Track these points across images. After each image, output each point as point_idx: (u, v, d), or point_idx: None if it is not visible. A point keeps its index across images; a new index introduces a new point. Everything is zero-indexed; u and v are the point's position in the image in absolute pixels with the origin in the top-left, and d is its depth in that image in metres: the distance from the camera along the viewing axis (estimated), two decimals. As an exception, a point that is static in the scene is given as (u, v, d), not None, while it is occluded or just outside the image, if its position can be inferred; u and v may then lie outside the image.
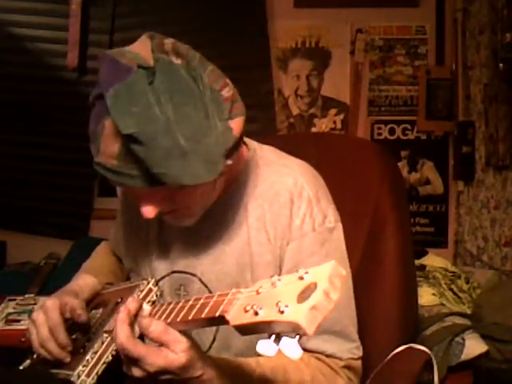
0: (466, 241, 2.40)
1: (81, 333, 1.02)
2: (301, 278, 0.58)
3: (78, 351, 0.96)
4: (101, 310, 1.06)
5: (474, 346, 1.50)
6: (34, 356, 1.01)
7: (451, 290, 1.85)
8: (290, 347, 0.57)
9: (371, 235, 1.21)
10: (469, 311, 1.76)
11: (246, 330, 0.63)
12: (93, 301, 1.11)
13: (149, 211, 0.86)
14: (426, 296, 1.80)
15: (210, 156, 0.81)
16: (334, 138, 1.61)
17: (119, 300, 1.01)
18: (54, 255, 2.34)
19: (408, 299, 1.24)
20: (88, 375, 0.88)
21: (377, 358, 1.07)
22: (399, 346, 1.13)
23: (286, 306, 0.56)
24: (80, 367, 0.89)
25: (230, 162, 0.84)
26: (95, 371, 0.89)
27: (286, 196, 0.96)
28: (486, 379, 1.52)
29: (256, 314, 0.59)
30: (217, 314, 0.67)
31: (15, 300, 1.80)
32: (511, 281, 1.93)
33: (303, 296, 0.56)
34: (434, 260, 2.06)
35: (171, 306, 0.80)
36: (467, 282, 1.91)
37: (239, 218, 0.98)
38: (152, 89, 0.78)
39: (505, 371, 1.52)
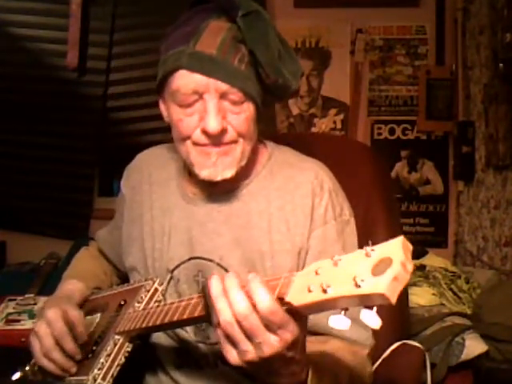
0: (465, 241, 2.40)
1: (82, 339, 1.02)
2: (368, 255, 0.59)
3: (85, 356, 0.95)
4: (99, 315, 1.05)
5: (474, 346, 1.50)
6: (27, 368, 1.01)
7: (451, 289, 1.85)
8: (371, 318, 0.59)
9: (362, 236, 1.22)
10: (469, 311, 1.76)
11: (312, 309, 0.64)
12: (83, 307, 1.11)
13: (216, 123, 0.90)
14: (426, 296, 1.80)
15: (296, 72, 0.97)
16: (326, 139, 1.62)
17: (122, 302, 1.01)
18: (54, 255, 2.34)
19: (398, 297, 1.24)
20: (104, 378, 0.88)
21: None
22: (391, 344, 1.14)
23: (362, 281, 0.57)
24: (96, 371, 0.88)
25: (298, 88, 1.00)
26: (110, 374, 0.89)
27: (308, 187, 1.01)
28: (486, 379, 1.52)
29: (325, 291, 0.60)
30: (274, 297, 0.67)
31: (15, 300, 1.80)
32: (511, 281, 1.93)
33: (378, 270, 0.57)
34: (434, 260, 2.06)
35: None
36: (467, 282, 1.91)
37: (260, 206, 1.01)
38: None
39: (505, 371, 1.51)
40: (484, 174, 2.29)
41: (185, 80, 0.91)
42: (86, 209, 2.64)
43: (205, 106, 0.91)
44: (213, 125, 0.90)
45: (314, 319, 0.91)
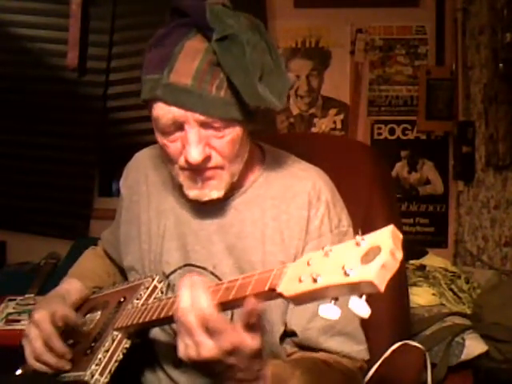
0: (465, 241, 2.40)
1: (82, 336, 1.02)
2: (358, 244, 0.60)
3: (84, 353, 0.96)
4: (99, 313, 1.05)
5: (474, 346, 1.49)
6: (28, 364, 1.01)
7: (451, 290, 1.84)
8: (360, 306, 0.59)
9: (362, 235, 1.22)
10: (469, 311, 1.76)
11: (302, 299, 0.64)
12: (84, 305, 1.11)
13: (197, 154, 0.88)
14: (426, 296, 1.80)
15: (282, 90, 0.90)
16: (326, 139, 1.63)
17: (122, 299, 1.01)
18: (54, 255, 2.34)
19: (399, 297, 1.25)
20: (101, 374, 0.89)
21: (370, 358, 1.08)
22: (392, 344, 1.14)
23: (351, 269, 0.58)
24: (93, 366, 0.89)
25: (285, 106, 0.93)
26: (108, 369, 0.90)
27: (304, 198, 0.99)
28: (486, 379, 1.52)
29: (315, 281, 0.61)
30: (266, 288, 0.68)
31: (15, 300, 1.80)
32: (511, 281, 1.93)
33: (367, 259, 0.57)
34: (434, 260, 2.06)
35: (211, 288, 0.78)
36: (467, 282, 1.91)
37: (254, 216, 1.00)
38: (240, 20, 0.89)
39: (505, 371, 1.51)
40: (484, 173, 2.29)
41: (163, 111, 0.88)
42: (85, 209, 2.64)
43: (186, 135, 0.89)
44: (194, 156, 0.88)
45: (305, 334, 0.95)
